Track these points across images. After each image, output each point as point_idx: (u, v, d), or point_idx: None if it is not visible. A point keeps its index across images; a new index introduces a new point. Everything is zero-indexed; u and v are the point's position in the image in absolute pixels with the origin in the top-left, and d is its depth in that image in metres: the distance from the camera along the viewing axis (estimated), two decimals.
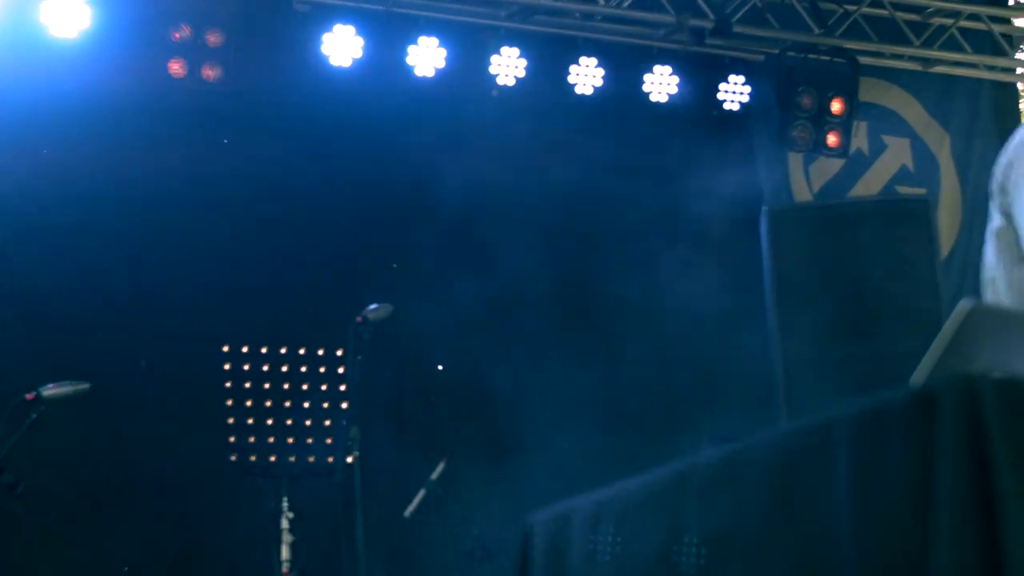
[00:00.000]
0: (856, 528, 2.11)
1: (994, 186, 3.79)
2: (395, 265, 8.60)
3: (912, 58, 10.04)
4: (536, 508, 3.28)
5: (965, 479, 1.90)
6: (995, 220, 3.84)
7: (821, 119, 9.43)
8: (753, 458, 2.47)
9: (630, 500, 2.88)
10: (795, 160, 9.83)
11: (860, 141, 10.00)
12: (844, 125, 9.49)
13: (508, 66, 8.77)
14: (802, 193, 9.85)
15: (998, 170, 3.77)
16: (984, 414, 1.91)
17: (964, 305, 2.37)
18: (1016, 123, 11.18)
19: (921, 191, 9.70)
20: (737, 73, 9.45)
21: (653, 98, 9.16)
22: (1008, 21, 10.40)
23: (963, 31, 10.08)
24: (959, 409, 1.93)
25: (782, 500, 2.31)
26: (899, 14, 9.83)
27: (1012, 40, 10.40)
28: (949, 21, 9.99)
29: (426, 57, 8.57)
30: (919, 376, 2.48)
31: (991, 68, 10.17)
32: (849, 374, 4.80)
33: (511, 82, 8.79)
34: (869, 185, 9.96)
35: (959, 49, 10.03)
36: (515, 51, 8.77)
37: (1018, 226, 3.63)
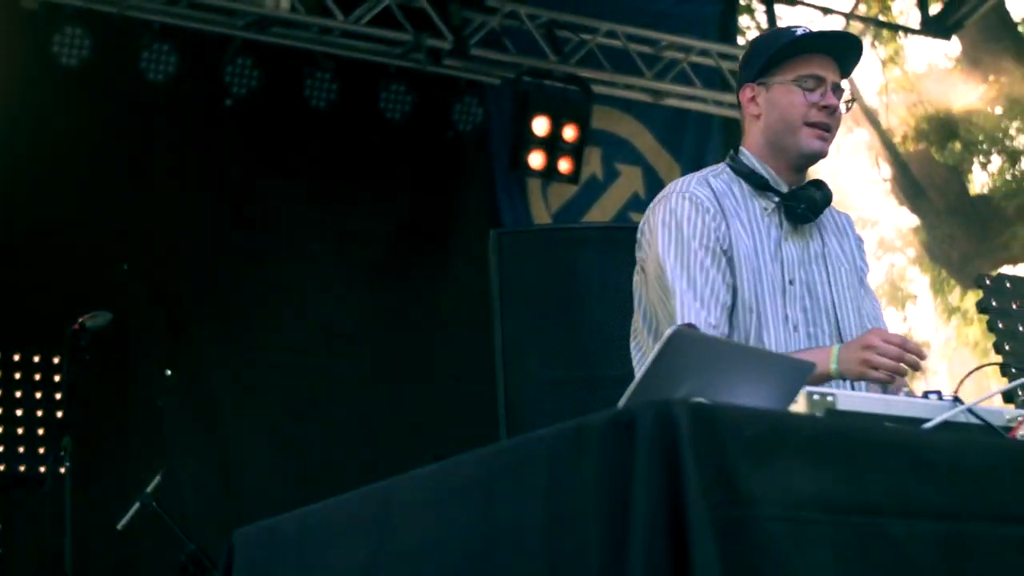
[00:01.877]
0: (550, 548, 2.12)
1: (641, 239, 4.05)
2: (126, 266, 8.36)
3: (644, 89, 10.26)
4: (253, 521, 3.22)
5: (659, 503, 1.92)
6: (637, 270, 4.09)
7: (554, 145, 9.56)
8: (456, 476, 2.47)
9: (337, 516, 2.85)
10: (534, 183, 9.93)
11: (594, 167, 10.17)
12: (576, 151, 9.64)
13: (242, 76, 8.64)
14: (541, 216, 9.96)
15: (644, 226, 4.04)
16: (679, 439, 1.94)
17: (669, 332, 2.41)
18: None
19: None
20: (473, 95, 9.52)
21: (388, 116, 9.14)
22: (736, 59, 10.71)
23: (694, 66, 10.36)
24: (656, 433, 1.96)
25: (483, 518, 2.31)
26: (633, 46, 10.06)
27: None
28: (681, 56, 10.26)
29: (159, 63, 8.38)
30: (625, 400, 2.51)
31: (719, 103, 10.45)
32: (568, 398, 4.84)
33: (245, 93, 8.67)
34: (604, 210, 10.13)
35: (689, 83, 10.30)
36: (250, 62, 8.65)
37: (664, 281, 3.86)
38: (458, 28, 9.23)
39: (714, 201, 3.92)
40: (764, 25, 14.31)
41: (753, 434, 2.02)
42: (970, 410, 2.74)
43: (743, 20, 15.26)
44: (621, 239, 6.71)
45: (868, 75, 19.86)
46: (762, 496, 1.98)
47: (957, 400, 2.81)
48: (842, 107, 3.99)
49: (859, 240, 4.27)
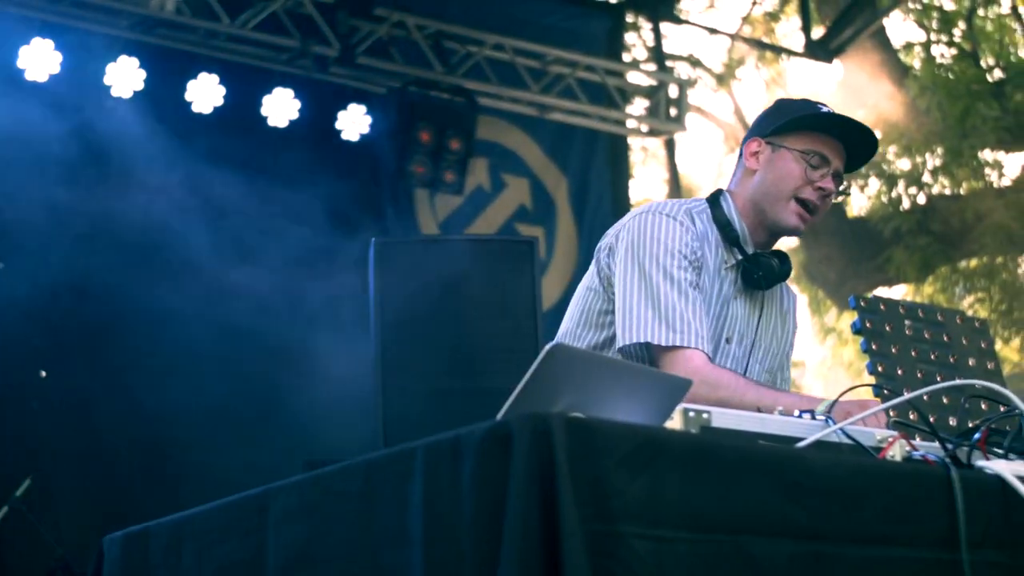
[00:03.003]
0: (427, 558, 2.12)
1: (603, 251, 4.00)
2: (2, 264, 8.20)
3: (530, 103, 10.29)
4: (127, 526, 3.17)
5: (533, 515, 1.93)
6: (593, 280, 4.06)
7: (439, 155, 9.55)
8: (334, 485, 2.45)
9: (212, 523, 2.82)
10: (422, 193, 9.91)
11: (481, 178, 10.18)
12: (461, 162, 9.64)
13: (126, 77, 8.53)
14: (428, 225, 9.94)
15: (610, 237, 4.01)
16: (554, 453, 1.95)
17: (548, 346, 2.41)
18: (627, 172, 11.62)
19: (538, 230, 9.95)
20: (359, 103, 9.49)
21: (272, 122, 9.09)
22: (622, 75, 10.79)
23: (580, 81, 10.41)
24: (531, 447, 1.97)
25: (361, 526, 2.31)
26: (519, 59, 10.09)
27: (625, 94, 10.80)
28: (567, 71, 10.31)
29: (40, 60, 8.26)
30: (503, 413, 2.52)
31: (604, 119, 10.51)
32: (449, 409, 4.83)
33: (128, 94, 8.56)
34: (490, 221, 10.13)
35: (575, 98, 10.35)
36: (134, 62, 8.55)
37: (616, 298, 3.88)
38: (345, 36, 9.20)
39: (694, 235, 3.96)
40: (650, 43, 14.43)
41: (627, 449, 2.03)
42: (842, 430, 2.78)
43: (629, 37, 15.35)
44: (501, 251, 6.76)
45: (752, 96, 20.08)
46: (632, 512, 2.00)
47: (830, 420, 2.85)
48: (838, 198, 4.06)
49: (796, 327, 4.36)
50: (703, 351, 3.76)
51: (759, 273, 4.01)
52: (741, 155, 4.15)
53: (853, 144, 4.06)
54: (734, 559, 2.11)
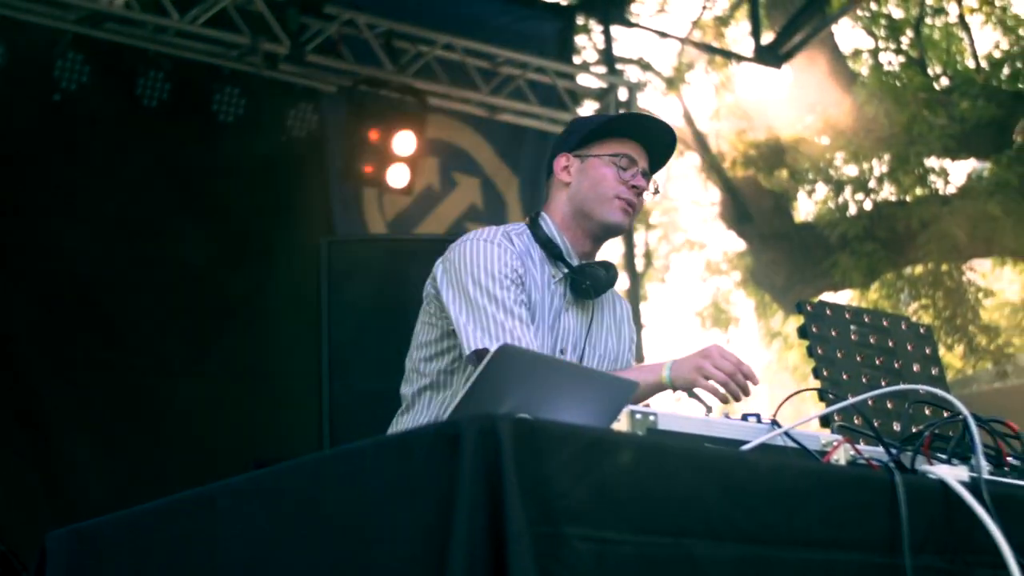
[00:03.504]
0: (374, 559, 2.11)
1: (430, 286, 4.23)
2: None
3: (480, 104, 10.28)
4: (69, 523, 3.14)
5: (480, 517, 1.93)
6: (424, 315, 4.27)
7: (388, 155, 9.51)
8: (282, 486, 2.45)
9: (158, 522, 2.80)
10: (370, 192, 9.86)
11: (431, 177, 10.15)
12: (410, 162, 9.60)
13: (72, 72, 8.47)
14: (376, 225, 9.89)
15: (435, 271, 4.21)
16: (501, 454, 1.95)
17: (498, 347, 2.42)
18: None
19: None
20: (308, 101, 9.45)
21: (221, 118, 9.04)
22: (572, 78, 10.80)
23: (530, 83, 10.41)
24: (479, 446, 1.97)
25: (310, 525, 2.30)
26: (470, 60, 10.07)
27: (575, 96, 10.81)
28: (517, 72, 10.30)
29: None
30: (452, 413, 2.52)
31: (554, 121, 10.51)
32: (392, 410, 4.82)
33: (75, 88, 8.50)
34: (440, 220, 10.11)
35: (525, 100, 10.35)
36: (81, 57, 8.48)
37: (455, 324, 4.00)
38: (295, 34, 9.15)
39: (516, 254, 4.08)
40: (601, 46, 14.46)
41: (574, 451, 2.03)
42: (787, 434, 2.79)
43: (580, 40, 15.37)
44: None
45: (701, 100, 20.17)
46: (577, 514, 2.00)
47: (775, 424, 2.86)
48: (648, 194, 4.23)
49: (632, 332, 4.51)
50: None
51: (587, 283, 4.15)
52: (551, 174, 4.31)
53: (653, 145, 4.26)
54: (678, 561, 2.12)
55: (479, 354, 3.88)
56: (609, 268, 4.23)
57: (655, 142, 4.26)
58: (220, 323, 8.85)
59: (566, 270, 4.17)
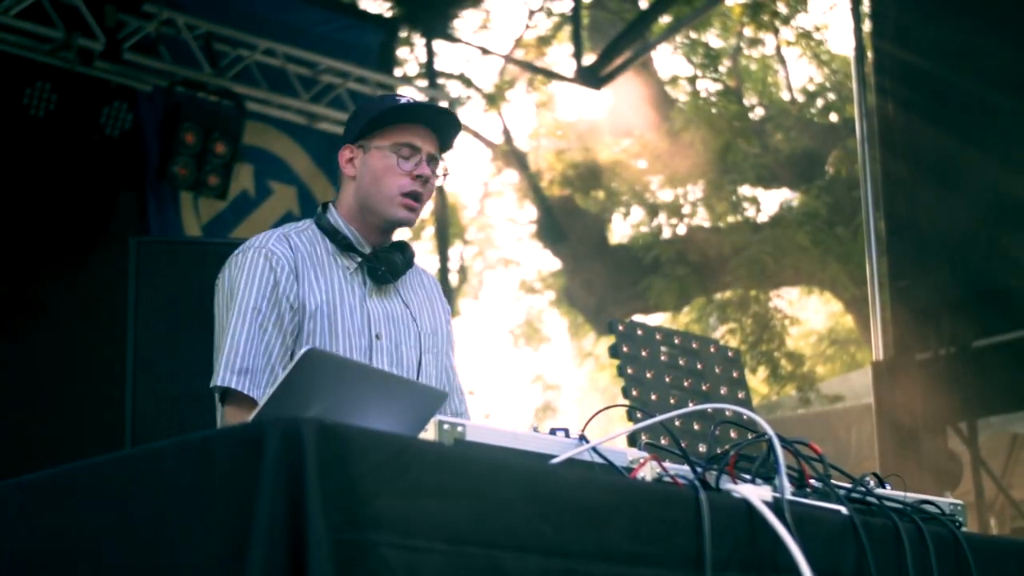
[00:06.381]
0: (174, 561, 2.06)
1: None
2: None
3: (299, 111, 10.22)
4: None
5: (280, 522, 1.89)
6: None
7: (203, 158, 9.39)
8: (77, 482, 2.37)
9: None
10: (187, 194, 9.72)
11: (246, 183, 10.05)
12: (225, 167, 9.50)
13: None
14: (191, 227, 9.76)
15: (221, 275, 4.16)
16: (304, 458, 1.91)
17: (303, 351, 2.39)
18: None
19: None
20: (123, 100, 9.26)
21: (32, 112, 8.81)
22: (393, 89, 10.78)
23: (351, 92, 10.37)
24: (282, 450, 1.93)
25: (110, 526, 2.23)
26: (291, 66, 10.01)
27: None
28: (339, 81, 10.26)
29: None
30: (256, 416, 2.48)
31: None
32: (197, 414, 4.73)
33: None
34: (255, 226, 9.98)
35: (345, 109, 10.30)
36: None
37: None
38: (112, 30, 8.99)
39: (290, 258, 4.03)
40: (423, 60, 14.47)
41: (379, 458, 2.00)
42: (594, 449, 2.80)
43: (402, 53, 15.37)
44: None
45: (521, 118, 20.31)
46: (383, 521, 1.97)
47: (583, 439, 2.87)
48: (438, 179, 4.19)
49: (446, 306, 4.49)
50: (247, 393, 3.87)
51: (382, 268, 4.12)
52: (338, 166, 4.25)
53: (438, 126, 4.22)
54: (487, 572, 2.10)
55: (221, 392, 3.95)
56: (404, 249, 4.20)
57: (439, 122, 4.20)
58: (31, 322, 8.65)
59: (359, 259, 4.13)
